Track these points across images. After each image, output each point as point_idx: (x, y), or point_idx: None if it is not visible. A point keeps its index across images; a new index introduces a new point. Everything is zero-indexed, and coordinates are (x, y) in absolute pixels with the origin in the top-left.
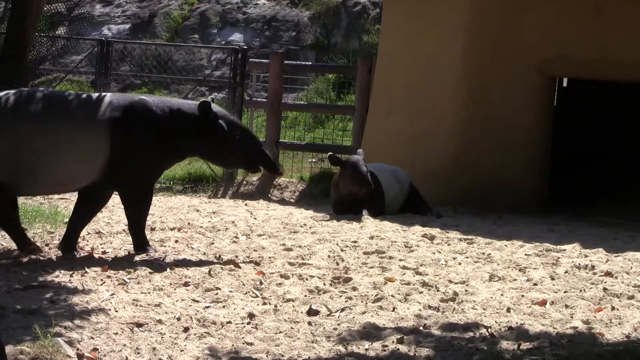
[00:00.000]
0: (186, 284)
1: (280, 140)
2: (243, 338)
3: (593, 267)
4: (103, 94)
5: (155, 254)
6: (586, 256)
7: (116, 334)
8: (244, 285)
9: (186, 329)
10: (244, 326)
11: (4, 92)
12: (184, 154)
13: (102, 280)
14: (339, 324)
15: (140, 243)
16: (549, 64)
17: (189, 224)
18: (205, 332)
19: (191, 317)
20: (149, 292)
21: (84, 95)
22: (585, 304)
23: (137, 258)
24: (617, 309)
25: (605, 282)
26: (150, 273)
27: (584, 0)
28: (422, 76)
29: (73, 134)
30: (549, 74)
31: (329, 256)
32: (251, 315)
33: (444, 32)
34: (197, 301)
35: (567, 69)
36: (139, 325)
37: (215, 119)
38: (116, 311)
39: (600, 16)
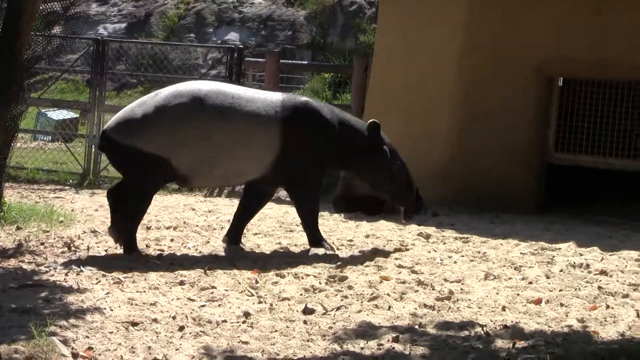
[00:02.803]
0: (182, 283)
1: None
2: (238, 337)
3: (588, 265)
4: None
5: (330, 251)
6: (581, 255)
7: (111, 332)
8: (239, 284)
9: (181, 328)
10: (240, 325)
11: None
12: (341, 165)
13: (97, 279)
14: (334, 323)
15: (314, 240)
16: (547, 64)
17: (184, 222)
18: (200, 331)
19: (187, 316)
20: (145, 291)
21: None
22: (580, 303)
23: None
24: (612, 308)
25: (600, 281)
26: (145, 272)
27: (583, 0)
28: (420, 76)
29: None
30: (547, 74)
31: (325, 255)
32: (247, 314)
33: (441, 32)
34: (193, 300)
35: (566, 69)
36: (134, 324)
37: (381, 142)
38: (111, 310)
39: (600, 16)
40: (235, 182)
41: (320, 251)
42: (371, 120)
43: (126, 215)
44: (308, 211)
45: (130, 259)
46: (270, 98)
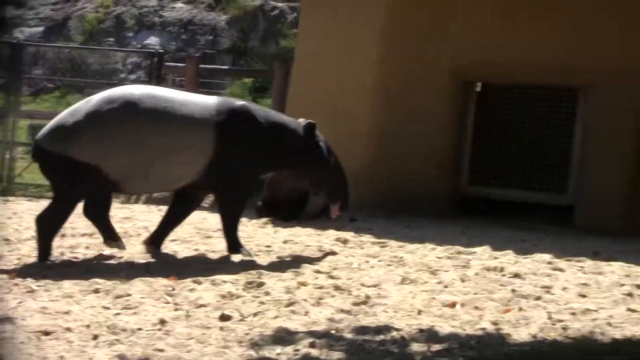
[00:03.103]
0: (96, 291)
1: None
2: (154, 344)
3: (502, 269)
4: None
5: (248, 257)
6: (496, 258)
7: (22, 343)
8: (155, 291)
9: (95, 337)
10: (155, 332)
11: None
12: (278, 167)
13: (9, 288)
14: (251, 329)
15: (234, 246)
16: (463, 69)
17: None
18: (115, 339)
19: (101, 324)
20: (58, 300)
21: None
22: (494, 306)
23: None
24: (525, 310)
25: (514, 284)
26: (59, 280)
27: (497, 5)
28: (341, 80)
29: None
30: (463, 78)
31: (242, 261)
32: (162, 322)
33: (361, 37)
34: (108, 308)
35: (482, 74)
36: (46, 333)
37: (317, 141)
38: (23, 320)
39: (512, 21)
40: (169, 187)
41: (239, 257)
42: (308, 121)
43: (44, 223)
44: (233, 217)
45: (43, 267)
46: (204, 102)
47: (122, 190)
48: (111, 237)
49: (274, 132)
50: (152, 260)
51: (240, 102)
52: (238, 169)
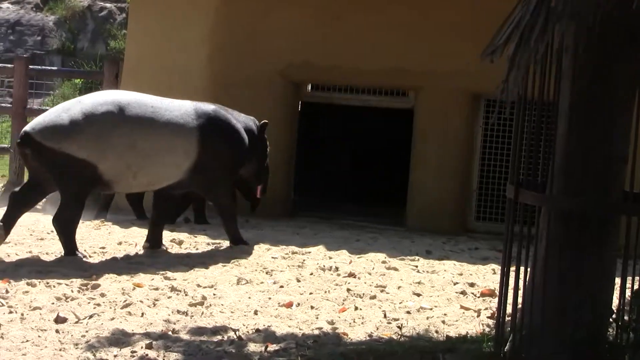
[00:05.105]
0: None
1: None
2: None
3: (337, 268)
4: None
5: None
6: (331, 258)
7: None
8: None
9: None
10: None
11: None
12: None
13: None
14: (87, 331)
15: (236, 239)
16: (292, 69)
17: None
18: None
19: None
20: None
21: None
22: (330, 305)
23: None
24: (360, 309)
25: (349, 283)
26: None
27: (325, 6)
28: (169, 81)
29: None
30: (292, 79)
31: (77, 262)
32: None
33: (189, 37)
34: None
35: (309, 75)
36: None
37: (265, 138)
38: None
39: (339, 23)
40: (154, 187)
41: (244, 248)
42: (263, 121)
43: (61, 222)
44: (227, 211)
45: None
46: (184, 106)
47: (112, 189)
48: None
49: (243, 132)
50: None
51: (212, 106)
52: (219, 169)
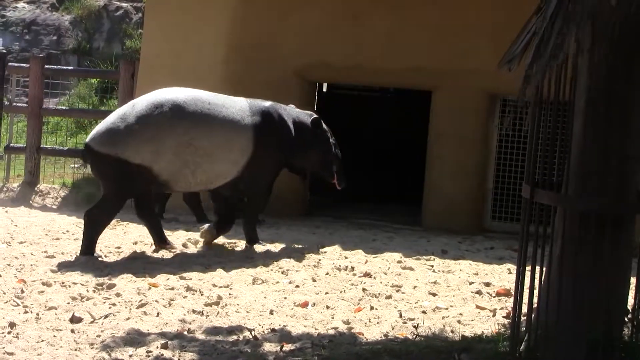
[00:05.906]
0: None
1: (42, 146)
2: (4, 348)
3: (353, 268)
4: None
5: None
6: (346, 258)
7: None
8: (4, 294)
9: None
10: (5, 336)
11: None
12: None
13: None
14: (102, 331)
15: (252, 239)
16: (309, 70)
17: None
18: None
19: None
20: None
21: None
22: (345, 305)
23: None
24: (376, 309)
25: (365, 283)
26: None
27: (342, 6)
28: (185, 81)
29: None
30: (309, 79)
31: (92, 262)
32: (12, 325)
33: (205, 37)
34: None
35: (327, 75)
36: None
37: (324, 132)
38: None
39: (357, 23)
40: (213, 185)
41: (260, 248)
42: (314, 117)
43: (92, 217)
44: (256, 210)
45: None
46: (239, 103)
47: (171, 189)
48: (161, 240)
49: (296, 129)
50: (0, 262)
51: (267, 103)
52: (268, 166)
